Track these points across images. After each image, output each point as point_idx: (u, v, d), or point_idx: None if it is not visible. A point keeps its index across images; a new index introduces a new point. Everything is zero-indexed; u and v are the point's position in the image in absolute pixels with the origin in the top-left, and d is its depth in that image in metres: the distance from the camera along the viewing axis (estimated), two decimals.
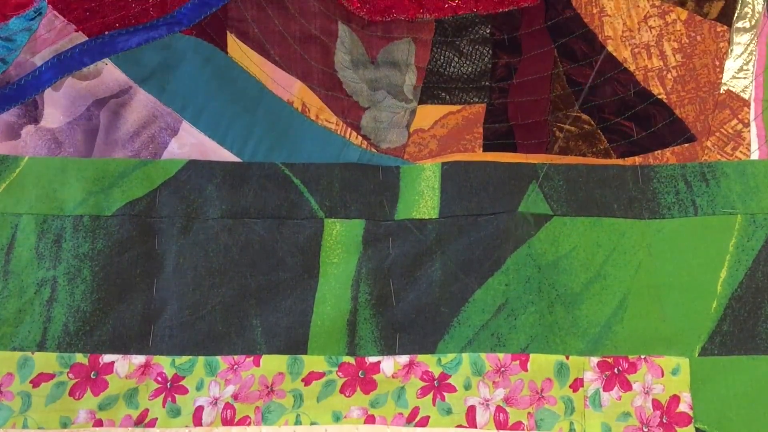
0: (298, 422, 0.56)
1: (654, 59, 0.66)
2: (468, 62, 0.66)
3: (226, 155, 0.63)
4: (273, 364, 0.58)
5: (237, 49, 0.66)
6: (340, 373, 0.58)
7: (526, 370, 0.58)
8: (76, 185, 0.62)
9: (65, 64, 0.65)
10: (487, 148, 0.64)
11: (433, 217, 0.62)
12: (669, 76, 0.66)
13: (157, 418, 0.56)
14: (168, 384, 0.57)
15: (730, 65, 0.66)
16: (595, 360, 0.59)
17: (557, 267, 0.61)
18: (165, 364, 0.58)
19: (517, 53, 0.66)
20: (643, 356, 0.59)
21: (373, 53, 0.67)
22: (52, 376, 0.57)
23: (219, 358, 0.58)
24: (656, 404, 0.57)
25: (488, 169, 0.62)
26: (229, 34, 0.67)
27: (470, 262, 0.61)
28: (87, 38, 0.66)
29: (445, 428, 0.56)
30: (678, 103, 0.65)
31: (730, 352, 0.59)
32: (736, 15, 0.67)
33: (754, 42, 0.66)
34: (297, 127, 0.65)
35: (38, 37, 0.66)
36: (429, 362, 0.58)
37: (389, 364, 0.58)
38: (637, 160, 0.64)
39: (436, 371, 0.58)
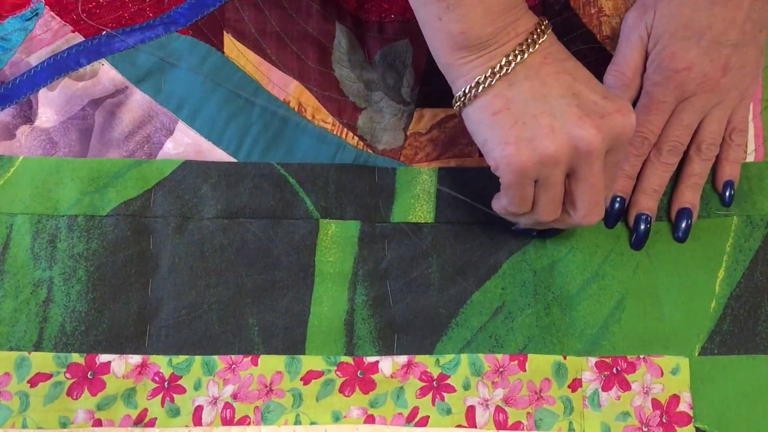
0: (297, 422, 0.56)
1: None
2: None
3: (222, 155, 0.63)
4: (271, 363, 0.58)
5: (234, 48, 0.66)
6: (338, 373, 0.58)
7: (525, 371, 0.58)
8: (71, 185, 0.61)
9: (61, 65, 0.65)
10: None
11: (429, 221, 0.62)
12: None
13: (156, 418, 0.56)
14: (165, 383, 0.57)
15: None
16: (593, 360, 0.58)
17: (553, 270, 0.61)
18: (162, 363, 0.57)
19: None
20: (642, 356, 0.58)
21: (370, 53, 0.67)
22: (49, 376, 0.56)
23: (216, 357, 0.58)
24: (656, 404, 0.57)
25: (484, 176, 0.62)
26: (225, 34, 0.66)
27: (467, 266, 0.61)
28: (83, 39, 0.66)
29: (444, 428, 0.56)
30: None
31: (730, 351, 0.59)
32: None
33: None
34: (293, 127, 0.64)
35: (34, 38, 0.65)
36: (428, 363, 0.58)
37: (388, 365, 0.58)
38: None
39: (435, 372, 0.58)
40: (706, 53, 0.59)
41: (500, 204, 0.57)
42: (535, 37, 0.53)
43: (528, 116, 0.52)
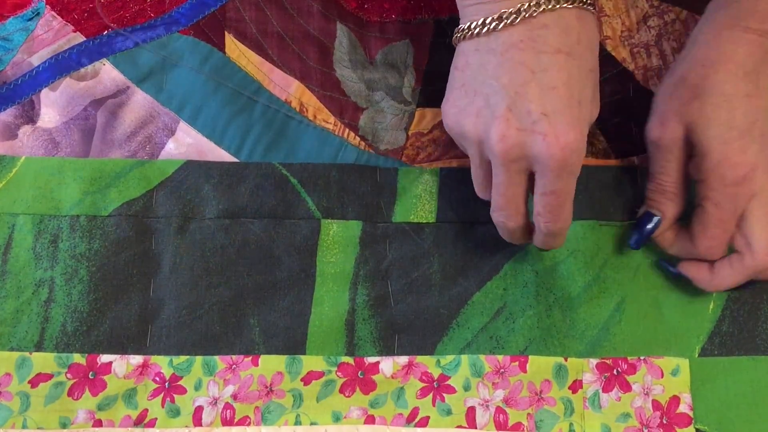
0: (297, 422, 0.56)
1: (653, 58, 0.66)
2: None
3: (224, 155, 0.63)
4: (271, 363, 0.58)
5: (235, 49, 0.66)
6: (339, 373, 0.58)
7: (525, 372, 0.58)
8: (73, 185, 0.61)
9: (63, 65, 0.65)
10: None
11: (431, 222, 0.62)
12: None
13: (156, 418, 0.56)
14: (166, 384, 0.57)
15: None
16: (593, 362, 0.58)
17: (555, 272, 0.61)
18: (163, 364, 0.57)
19: None
20: (642, 357, 0.59)
21: (371, 53, 0.67)
22: (50, 377, 0.56)
23: (217, 357, 0.58)
24: (656, 405, 0.57)
25: None
26: (227, 35, 0.66)
27: (468, 267, 0.61)
28: (85, 39, 0.66)
29: (444, 429, 0.56)
30: None
31: (730, 352, 0.59)
32: None
33: None
34: (295, 127, 0.64)
35: (36, 38, 0.65)
36: (428, 363, 0.58)
37: (388, 365, 0.58)
38: (636, 160, 0.64)
39: (436, 372, 0.58)
40: (762, 149, 0.53)
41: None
42: (523, 8, 0.50)
43: (471, 88, 0.53)
